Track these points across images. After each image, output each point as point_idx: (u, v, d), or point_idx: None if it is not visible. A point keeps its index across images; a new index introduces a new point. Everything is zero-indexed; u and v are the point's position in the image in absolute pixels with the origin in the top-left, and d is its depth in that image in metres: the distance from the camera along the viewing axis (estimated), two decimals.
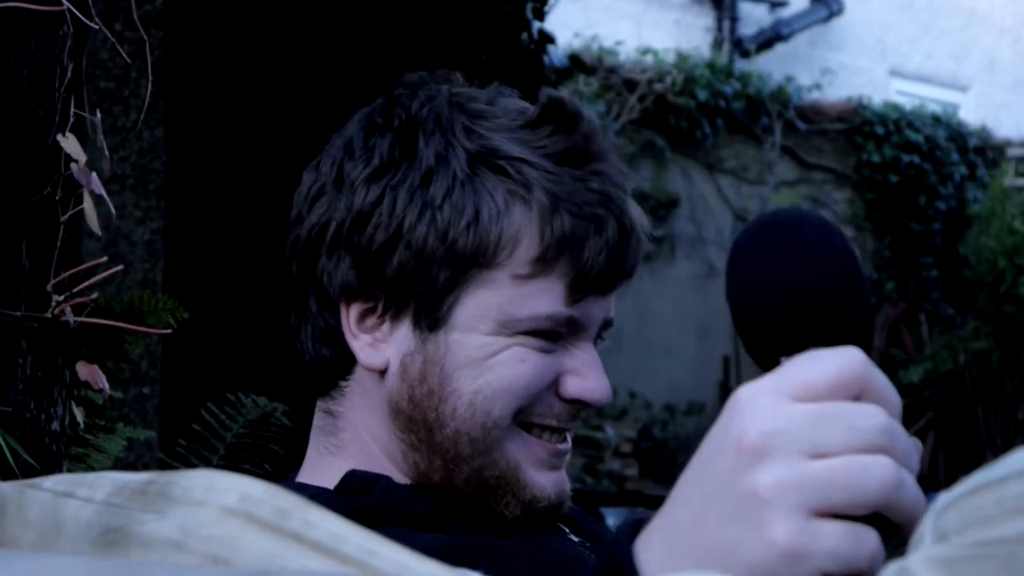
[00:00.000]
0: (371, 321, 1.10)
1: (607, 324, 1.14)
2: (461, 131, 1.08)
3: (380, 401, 1.12)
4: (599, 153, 1.10)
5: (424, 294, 1.07)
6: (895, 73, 12.19)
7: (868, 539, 0.66)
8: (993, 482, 0.57)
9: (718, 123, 9.39)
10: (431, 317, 1.08)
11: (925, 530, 0.59)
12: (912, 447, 0.70)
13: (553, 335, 1.08)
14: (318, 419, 1.17)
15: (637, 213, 1.12)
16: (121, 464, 3.09)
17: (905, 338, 9.96)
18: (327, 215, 1.10)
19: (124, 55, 3.09)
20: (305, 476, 1.16)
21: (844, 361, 0.69)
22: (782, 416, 0.68)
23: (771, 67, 10.13)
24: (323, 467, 1.14)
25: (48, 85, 1.32)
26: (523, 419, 1.09)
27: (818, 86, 10.02)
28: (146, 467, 3.13)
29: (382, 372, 1.11)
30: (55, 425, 1.34)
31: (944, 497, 0.59)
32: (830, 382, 0.69)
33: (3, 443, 1.25)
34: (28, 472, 1.29)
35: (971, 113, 11.78)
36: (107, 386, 1.38)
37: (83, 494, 0.71)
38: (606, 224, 1.08)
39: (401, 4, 4.80)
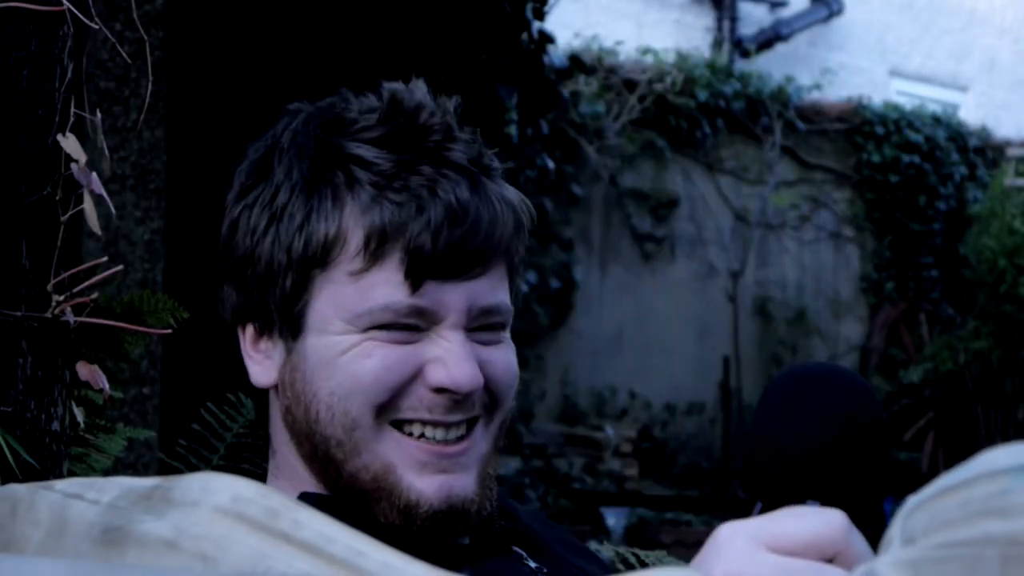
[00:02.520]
0: (263, 341, 1.12)
1: (488, 311, 1.10)
2: (312, 142, 1.09)
3: (279, 419, 1.13)
4: (428, 133, 1.09)
5: (279, 303, 1.09)
6: (895, 73, 12.18)
7: None
8: (959, 484, 0.57)
9: (718, 123, 9.39)
10: (291, 325, 1.09)
11: (894, 533, 0.59)
12: None
13: (406, 326, 1.07)
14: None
15: (492, 191, 1.10)
16: (121, 464, 3.09)
17: (905, 338, 9.95)
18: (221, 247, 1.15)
19: (124, 55, 3.09)
20: None
21: (824, 522, 0.72)
22: (750, 562, 0.71)
23: (771, 67, 10.13)
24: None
25: (48, 85, 1.32)
26: (393, 416, 1.07)
27: (818, 86, 10.02)
28: (146, 467, 3.13)
29: (276, 389, 1.12)
30: (55, 425, 1.34)
31: (913, 499, 0.59)
32: (806, 539, 0.71)
33: (3, 443, 1.25)
34: (28, 472, 1.29)
35: (971, 113, 11.78)
36: (107, 386, 1.38)
37: (91, 496, 0.73)
38: (427, 205, 1.06)
39: (401, 4, 4.80)
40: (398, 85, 1.11)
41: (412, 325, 1.07)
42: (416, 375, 1.08)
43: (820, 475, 0.80)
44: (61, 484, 0.76)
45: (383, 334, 1.06)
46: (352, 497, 1.08)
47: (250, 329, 1.12)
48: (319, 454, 1.09)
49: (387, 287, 1.06)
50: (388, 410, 1.07)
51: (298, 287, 1.08)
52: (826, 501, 0.78)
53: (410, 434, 1.08)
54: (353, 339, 1.06)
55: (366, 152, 1.08)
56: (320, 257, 1.07)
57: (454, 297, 1.08)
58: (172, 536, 0.67)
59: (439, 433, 1.08)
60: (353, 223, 1.06)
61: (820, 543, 0.72)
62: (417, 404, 1.07)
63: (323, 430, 1.08)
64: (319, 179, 1.08)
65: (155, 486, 0.71)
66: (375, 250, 1.06)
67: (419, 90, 1.11)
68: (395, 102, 1.10)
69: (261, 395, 1.16)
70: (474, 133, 1.12)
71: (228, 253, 1.11)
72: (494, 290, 1.11)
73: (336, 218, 1.07)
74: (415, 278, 1.06)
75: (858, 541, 0.72)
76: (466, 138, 1.11)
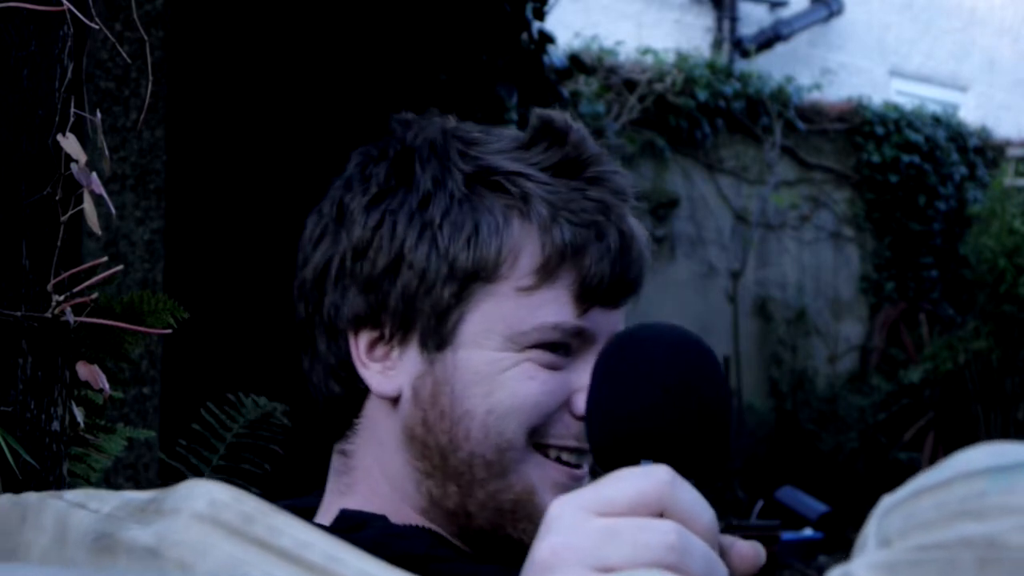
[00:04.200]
0: (381, 349, 1.10)
1: None
2: (456, 155, 1.09)
3: (393, 432, 1.10)
4: (594, 161, 1.10)
5: (429, 313, 1.07)
6: (895, 73, 12.19)
7: None
8: (934, 486, 0.57)
9: (718, 123, 9.39)
10: (438, 336, 1.07)
11: (869, 534, 0.59)
12: (712, 563, 0.73)
13: (563, 347, 1.07)
14: (333, 461, 1.16)
15: (635, 223, 1.12)
16: (121, 464, 3.09)
17: (905, 338, 9.96)
18: (331, 251, 1.11)
19: (124, 55, 3.09)
20: (317, 518, 1.14)
21: (646, 479, 0.74)
22: (575, 531, 0.72)
23: (771, 67, 10.14)
24: (332, 509, 1.12)
25: (48, 85, 1.32)
26: (538, 440, 1.08)
27: (818, 86, 10.02)
28: (146, 467, 3.13)
29: (395, 401, 1.10)
30: (55, 425, 1.34)
31: (887, 500, 0.59)
32: (629, 499, 0.73)
33: (3, 443, 1.25)
34: (28, 472, 1.29)
35: (971, 113, 11.78)
36: (107, 386, 1.38)
37: (93, 506, 0.75)
38: (606, 231, 1.08)
39: (401, 5, 4.80)
40: (547, 112, 1.12)
41: (569, 347, 1.08)
42: (566, 402, 1.08)
43: (646, 437, 0.81)
44: (70, 494, 0.77)
45: (541, 355, 1.06)
46: (482, 518, 1.08)
47: (366, 336, 1.10)
48: (450, 471, 1.08)
49: (555, 306, 1.06)
50: (537, 433, 1.08)
51: (456, 297, 1.07)
52: (660, 459, 0.79)
53: (550, 457, 1.09)
54: (513, 357, 1.06)
55: (534, 172, 1.08)
56: (488, 271, 1.07)
57: (606, 323, 1.09)
58: (154, 543, 0.68)
59: (574, 458, 1.09)
60: (530, 241, 1.07)
61: (645, 500, 0.73)
62: (564, 432, 1.08)
63: (472, 447, 1.06)
64: (482, 192, 1.08)
65: (152, 498, 0.72)
66: (552, 269, 1.06)
67: (566, 116, 1.12)
68: (551, 129, 1.10)
69: (339, 403, 1.13)
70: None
71: (363, 259, 1.09)
72: (622, 319, 1.13)
73: (511, 234, 1.07)
74: (587, 300, 1.07)
75: (684, 492, 0.74)
76: (620, 169, 1.13)
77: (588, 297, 1.07)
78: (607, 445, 0.83)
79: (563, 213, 1.07)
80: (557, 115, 1.11)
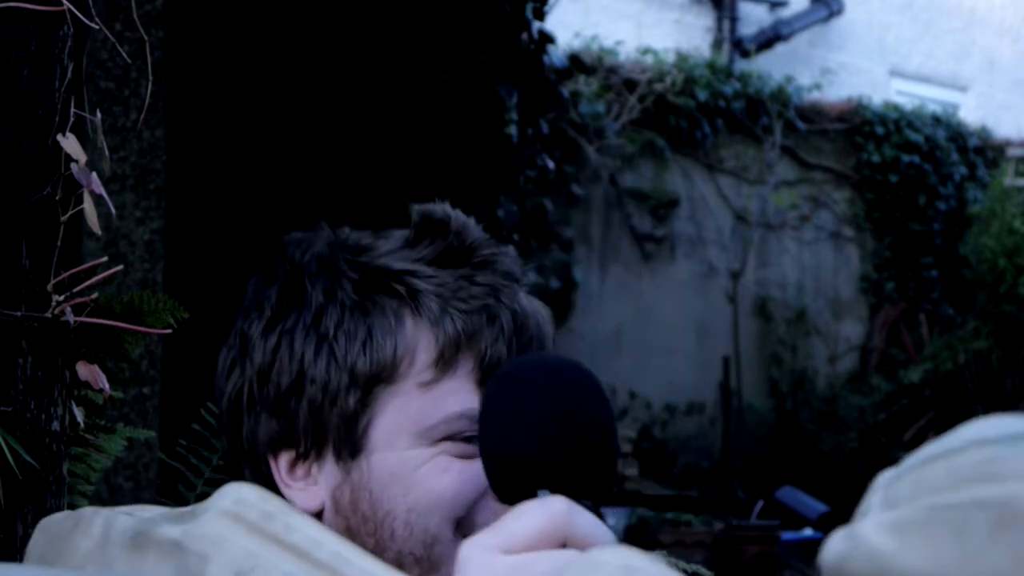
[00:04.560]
0: (300, 468, 1.11)
1: None
2: (344, 264, 1.11)
3: None
4: (478, 246, 1.12)
5: (338, 424, 1.09)
6: (895, 73, 12.19)
7: None
8: (944, 453, 0.58)
9: (718, 123, 9.39)
10: (350, 444, 1.09)
11: (871, 503, 0.59)
12: None
13: (474, 436, 1.07)
14: None
15: (529, 301, 1.14)
16: (121, 464, 3.09)
17: (905, 338, 9.96)
18: (240, 380, 1.13)
19: (124, 55, 3.09)
20: None
21: (544, 514, 0.80)
22: (486, 571, 0.77)
23: (771, 67, 10.14)
24: None
25: (48, 85, 1.32)
26: (466, 531, 1.07)
27: (818, 86, 10.02)
28: (146, 467, 3.13)
29: (319, 514, 1.11)
30: (55, 425, 1.34)
31: (889, 473, 0.60)
32: (532, 533, 0.79)
33: (3, 443, 1.25)
34: (28, 472, 1.29)
35: (971, 113, 11.78)
36: (107, 386, 1.38)
37: (137, 514, 0.81)
38: (498, 313, 1.09)
39: (401, 5, 4.80)
40: (427, 206, 1.14)
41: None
42: (486, 489, 1.08)
43: (538, 469, 0.86)
44: (123, 508, 0.83)
45: (454, 446, 1.07)
46: None
47: (285, 457, 1.11)
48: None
49: (459, 395, 1.08)
50: (463, 524, 1.08)
51: (361, 403, 1.08)
52: (555, 486, 0.85)
53: None
54: (425, 453, 1.07)
55: (420, 268, 1.10)
56: (388, 372, 1.08)
57: None
58: (179, 537, 0.72)
59: None
60: (424, 335, 1.08)
61: (546, 532, 0.78)
62: (491, 517, 1.07)
63: (400, 547, 1.07)
64: (372, 296, 1.10)
65: (191, 508, 0.77)
66: (448, 359, 1.08)
67: (445, 207, 1.14)
68: (432, 222, 1.12)
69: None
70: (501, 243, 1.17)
71: (268, 382, 1.11)
72: None
73: (404, 333, 1.08)
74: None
75: (582, 521, 0.79)
76: (507, 249, 1.15)
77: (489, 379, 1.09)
78: (504, 482, 0.87)
79: (452, 303, 1.09)
80: (437, 208, 1.13)
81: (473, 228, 1.13)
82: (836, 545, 0.58)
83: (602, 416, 0.88)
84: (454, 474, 1.07)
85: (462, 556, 0.79)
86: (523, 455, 0.86)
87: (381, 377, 1.08)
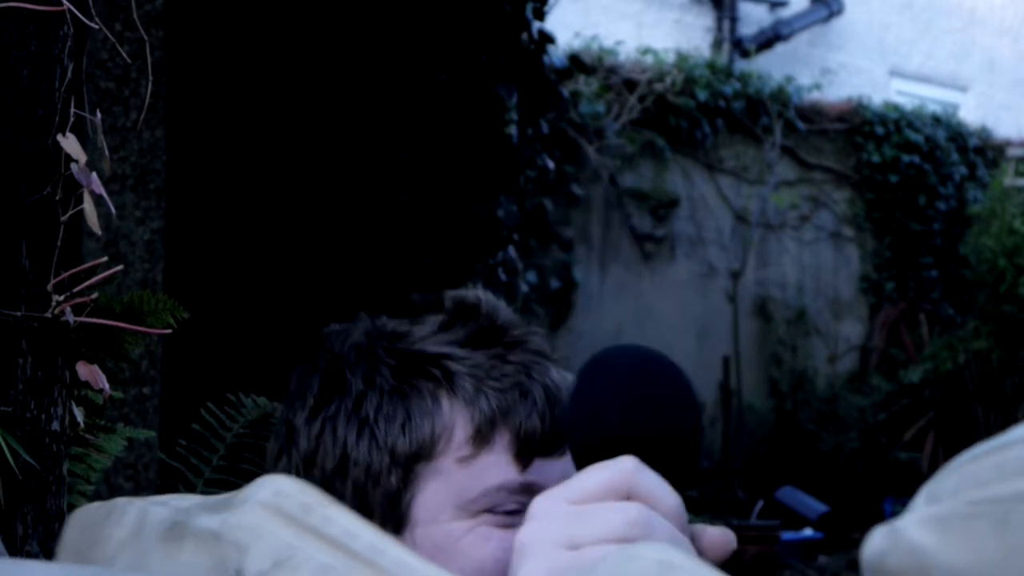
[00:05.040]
0: None
1: None
2: (382, 352, 1.17)
3: None
4: (508, 326, 1.18)
5: (382, 501, 1.14)
6: (895, 73, 12.19)
7: None
8: (994, 449, 0.57)
9: (718, 123, 9.39)
10: (394, 520, 1.13)
11: (918, 500, 0.59)
12: (677, 541, 0.82)
13: (514, 509, 1.12)
14: None
15: (561, 375, 1.19)
16: (121, 464, 3.09)
17: (905, 338, 9.96)
18: (287, 468, 1.18)
19: (124, 55, 3.09)
20: None
21: (613, 469, 0.83)
22: (549, 517, 0.81)
23: (771, 67, 10.14)
24: None
25: (48, 85, 1.32)
26: None
27: (818, 86, 10.02)
28: (146, 467, 3.13)
29: None
30: (55, 425, 1.34)
31: (940, 472, 0.59)
32: (597, 486, 0.82)
33: (3, 443, 1.25)
34: (28, 472, 1.29)
35: (971, 113, 11.79)
36: (107, 386, 1.38)
37: (172, 504, 0.82)
38: (530, 389, 1.15)
39: (401, 4, 4.80)
40: (459, 292, 1.19)
41: (521, 504, 1.13)
42: None
43: (617, 443, 0.89)
44: (158, 497, 0.85)
45: (494, 517, 1.12)
46: None
47: None
48: None
49: (497, 468, 1.13)
50: None
51: (403, 481, 1.14)
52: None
53: None
54: (467, 524, 1.12)
55: (454, 351, 1.16)
56: (427, 450, 1.13)
57: (555, 471, 1.15)
58: (218, 528, 0.73)
59: None
60: (460, 414, 1.14)
61: (612, 485, 0.82)
62: None
63: None
64: (409, 380, 1.15)
65: (231, 495, 0.79)
66: (485, 435, 1.13)
67: (477, 292, 1.20)
68: (464, 307, 1.18)
69: None
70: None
71: (313, 466, 1.16)
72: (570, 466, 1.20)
73: (441, 413, 1.14)
74: (525, 457, 1.14)
75: (648, 477, 0.83)
76: (536, 329, 1.20)
77: (526, 452, 1.13)
78: (585, 451, 0.90)
79: (487, 382, 1.14)
80: (469, 293, 1.19)
81: (504, 309, 1.19)
82: (876, 541, 0.58)
83: (685, 403, 0.91)
84: (495, 543, 1.11)
85: (532, 506, 0.83)
86: (604, 428, 0.89)
87: (421, 455, 1.13)
